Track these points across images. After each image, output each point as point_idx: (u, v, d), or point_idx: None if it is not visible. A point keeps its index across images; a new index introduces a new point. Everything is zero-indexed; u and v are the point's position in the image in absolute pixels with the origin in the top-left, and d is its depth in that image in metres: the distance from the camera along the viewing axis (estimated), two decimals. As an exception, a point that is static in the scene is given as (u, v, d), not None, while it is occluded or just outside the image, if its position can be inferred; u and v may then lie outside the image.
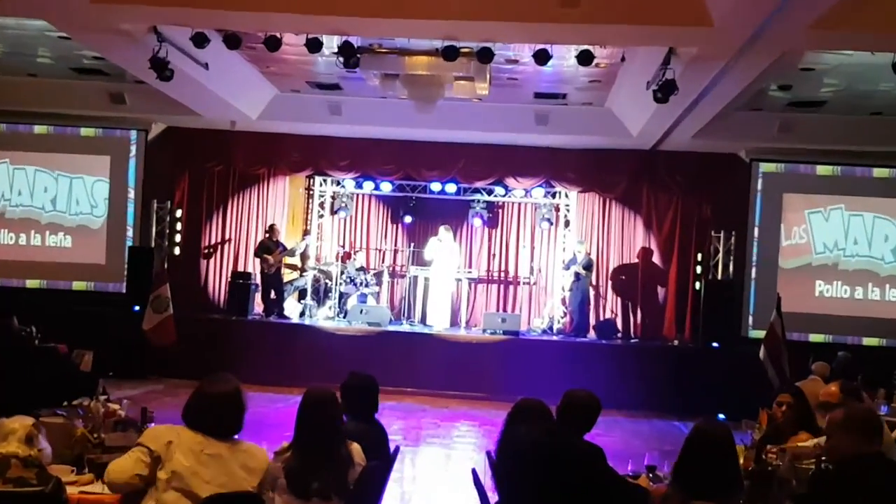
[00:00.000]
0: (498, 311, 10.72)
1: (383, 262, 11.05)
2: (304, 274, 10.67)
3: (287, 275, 10.70)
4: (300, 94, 9.24)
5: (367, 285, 10.35)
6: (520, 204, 11.12)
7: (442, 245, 10.08)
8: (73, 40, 6.91)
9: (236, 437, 2.62)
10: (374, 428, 3.22)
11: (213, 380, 2.60)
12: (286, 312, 10.00)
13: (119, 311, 9.05)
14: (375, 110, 9.23)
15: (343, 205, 10.98)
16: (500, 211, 11.16)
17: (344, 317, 9.89)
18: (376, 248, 11.22)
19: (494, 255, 11.08)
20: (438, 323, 9.98)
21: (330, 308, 10.19)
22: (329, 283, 10.48)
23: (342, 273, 10.34)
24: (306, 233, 11.06)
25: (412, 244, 10.73)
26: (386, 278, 10.66)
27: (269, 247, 9.89)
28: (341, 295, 10.34)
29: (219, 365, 5.74)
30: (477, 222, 10.96)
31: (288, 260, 10.50)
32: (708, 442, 2.23)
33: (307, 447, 2.65)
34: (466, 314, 10.58)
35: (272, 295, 9.90)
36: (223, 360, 8.01)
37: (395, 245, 11.18)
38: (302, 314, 10.18)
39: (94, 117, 9.41)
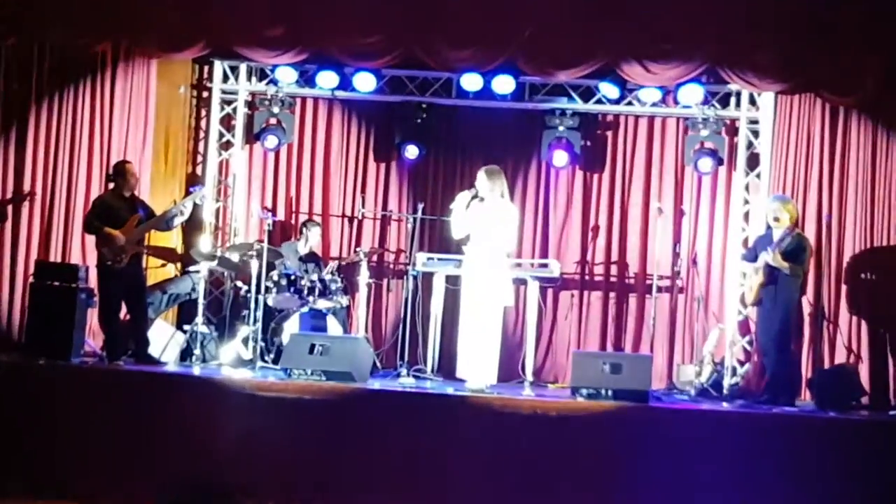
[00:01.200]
0: (604, 348, 10.97)
1: (358, 245, 11.32)
2: (191, 271, 10.84)
3: (156, 272, 10.86)
4: None
5: (324, 293, 10.50)
6: (650, 121, 11.39)
7: (484, 208, 9.46)
8: None
9: None
10: None
11: None
12: (153, 351, 9.98)
13: None
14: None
15: (274, 122, 11.32)
16: (609, 136, 11.45)
17: (275, 361, 9.79)
18: (342, 216, 11.69)
19: (595, 229, 11.41)
20: (476, 372, 9.33)
21: (246, 342, 10.18)
22: (244, 289, 10.55)
23: (272, 268, 10.41)
24: (194, 182, 11.11)
25: (419, 206, 10.69)
26: (364, 278, 10.72)
27: (116, 211, 9.73)
28: (270, 314, 10.44)
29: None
30: (559, 159, 11.15)
31: (158, 238, 10.53)
32: None
33: None
34: (537, 355, 10.71)
35: (124, 314, 9.80)
36: (8, 463, 8.37)
37: (384, 209, 11.61)
38: (186, 355, 10.29)
39: None
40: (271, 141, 11.16)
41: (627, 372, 8.91)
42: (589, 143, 11.27)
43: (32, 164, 10.63)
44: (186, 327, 10.45)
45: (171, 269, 11.18)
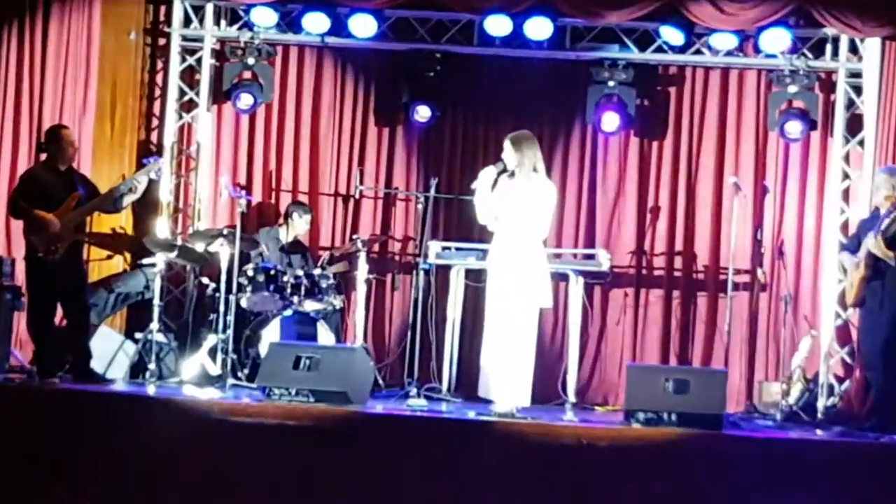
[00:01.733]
0: (667, 361, 11.05)
1: (355, 232, 11.35)
2: (144, 265, 10.90)
3: (100, 266, 10.98)
4: None
5: (313, 293, 10.52)
6: (724, 74, 11.40)
7: (514, 185, 9.38)
8: None
9: None
10: None
11: None
12: (96, 366, 9.95)
13: None
14: None
15: (249, 77, 11.33)
16: (671, 94, 11.45)
17: (251, 377, 9.90)
18: (335, 195, 11.66)
19: (654, 211, 11.47)
20: (504, 392, 9.26)
21: (214, 354, 10.22)
22: (210, 286, 10.64)
23: (246, 261, 10.49)
24: (148, 152, 11.16)
25: (432, 182, 10.77)
26: (362, 273, 10.68)
27: (49, 189, 9.69)
28: (244, 318, 10.51)
29: None
30: (609, 123, 11.15)
31: (103, 223, 10.69)
32: None
33: None
34: (581, 370, 10.80)
35: (59, 319, 9.88)
36: None
37: (388, 186, 11.65)
38: (138, 370, 10.32)
39: None
40: (245, 100, 11.09)
41: (696, 391, 8.90)
42: (646, 103, 11.23)
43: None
44: (138, 335, 10.43)
45: (120, 263, 11.17)
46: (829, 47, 10.95)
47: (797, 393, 10.17)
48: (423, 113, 11.20)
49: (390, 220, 11.60)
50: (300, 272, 10.48)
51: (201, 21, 11.34)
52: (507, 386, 9.08)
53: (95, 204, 9.78)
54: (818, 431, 9.46)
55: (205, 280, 10.74)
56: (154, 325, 10.22)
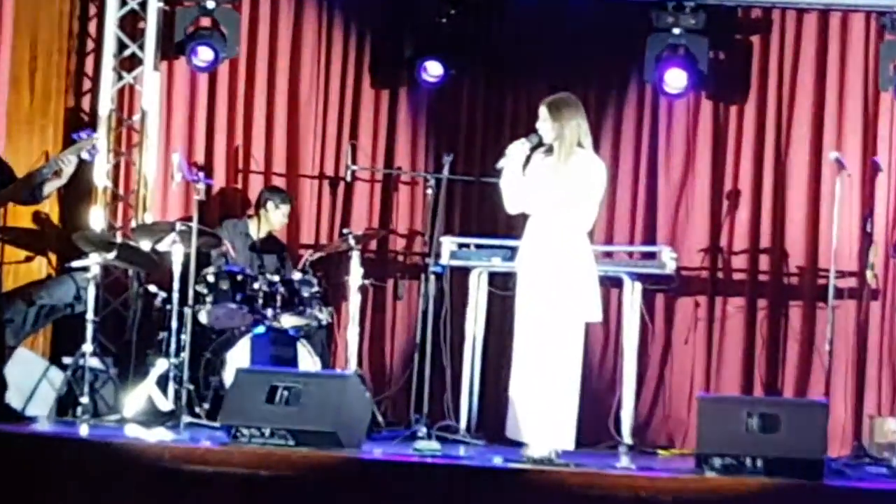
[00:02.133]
0: (750, 391, 11.20)
1: (346, 225, 11.61)
2: (75, 269, 10.87)
3: (17, 270, 11.20)
4: None
5: (292, 304, 10.72)
6: (822, 19, 11.51)
7: (552, 164, 9.45)
8: None
9: None
10: None
11: None
12: (13, 399, 10.13)
13: None
14: None
15: (208, 26, 11.57)
16: (755, 45, 11.61)
17: (212, 414, 10.08)
18: (320, 177, 11.90)
19: (733, 196, 11.58)
20: (540, 432, 9.31)
21: (164, 384, 10.36)
22: (160, 297, 10.83)
23: (206, 263, 10.74)
24: (78, 125, 11.26)
25: (445, 160, 10.88)
26: (356, 278, 10.85)
27: None
28: (204, 337, 10.66)
29: None
30: (674, 80, 11.26)
31: (20, 215, 11.00)
32: None
33: None
34: (640, 403, 11.02)
35: None
36: None
37: (389, 166, 11.93)
38: (67, 405, 10.41)
39: None
40: (203, 55, 11.17)
41: (788, 429, 8.79)
42: (722, 56, 11.35)
43: None
44: (67, 360, 10.44)
45: (43, 266, 11.24)
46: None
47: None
48: (432, 71, 11.31)
49: (391, 210, 11.76)
50: (275, 277, 10.60)
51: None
52: (543, 424, 9.04)
53: (9, 192, 9.94)
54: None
55: (152, 288, 10.80)
56: (87, 347, 10.22)
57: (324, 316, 10.72)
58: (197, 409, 10.14)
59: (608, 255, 10.39)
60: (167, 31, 11.38)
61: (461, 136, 11.47)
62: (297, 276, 10.69)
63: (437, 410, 10.52)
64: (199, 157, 11.51)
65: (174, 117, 11.65)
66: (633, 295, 10.42)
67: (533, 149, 9.02)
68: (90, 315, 10.29)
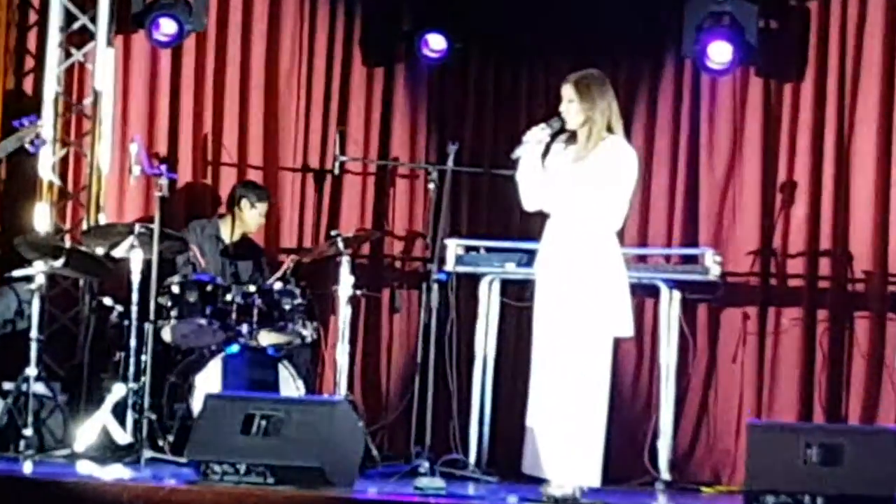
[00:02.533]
0: (809, 417, 11.24)
1: (334, 226, 11.84)
2: (15, 278, 11.08)
3: None
4: None
5: (271, 318, 10.84)
6: None
7: (576, 153, 9.39)
8: None
9: None
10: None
11: None
12: None
13: None
14: None
15: None
16: (812, 13, 11.67)
17: (177, 448, 10.10)
18: (303, 170, 12.24)
19: (787, 189, 11.66)
20: (562, 467, 9.28)
21: (122, 413, 10.47)
22: (116, 310, 10.87)
23: (170, 272, 10.89)
24: (20, 110, 11.30)
25: (449, 150, 10.94)
26: (346, 287, 10.93)
27: None
28: (168, 357, 10.82)
29: None
30: (718, 54, 11.33)
31: None
32: None
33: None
34: (679, 432, 11.11)
35: None
36: None
37: (384, 156, 12.12)
38: (7, 438, 10.51)
39: None
40: (166, 28, 11.21)
41: (854, 461, 8.76)
42: (774, 25, 11.38)
43: None
44: (7, 386, 10.54)
45: None
46: None
47: None
48: (434, 45, 11.43)
49: (387, 208, 11.89)
50: (251, 288, 10.66)
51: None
52: (566, 458, 9.02)
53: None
54: None
55: (107, 301, 10.82)
56: (31, 371, 10.27)
57: (308, 332, 10.77)
58: (160, 442, 10.14)
59: (641, 259, 10.49)
60: (124, 1, 11.38)
61: (468, 122, 11.58)
62: (276, 285, 10.72)
63: (442, 442, 10.57)
64: (162, 148, 11.56)
65: (131, 101, 11.67)
66: (670, 305, 10.47)
67: (554, 135, 9.00)
68: (34, 333, 10.31)
